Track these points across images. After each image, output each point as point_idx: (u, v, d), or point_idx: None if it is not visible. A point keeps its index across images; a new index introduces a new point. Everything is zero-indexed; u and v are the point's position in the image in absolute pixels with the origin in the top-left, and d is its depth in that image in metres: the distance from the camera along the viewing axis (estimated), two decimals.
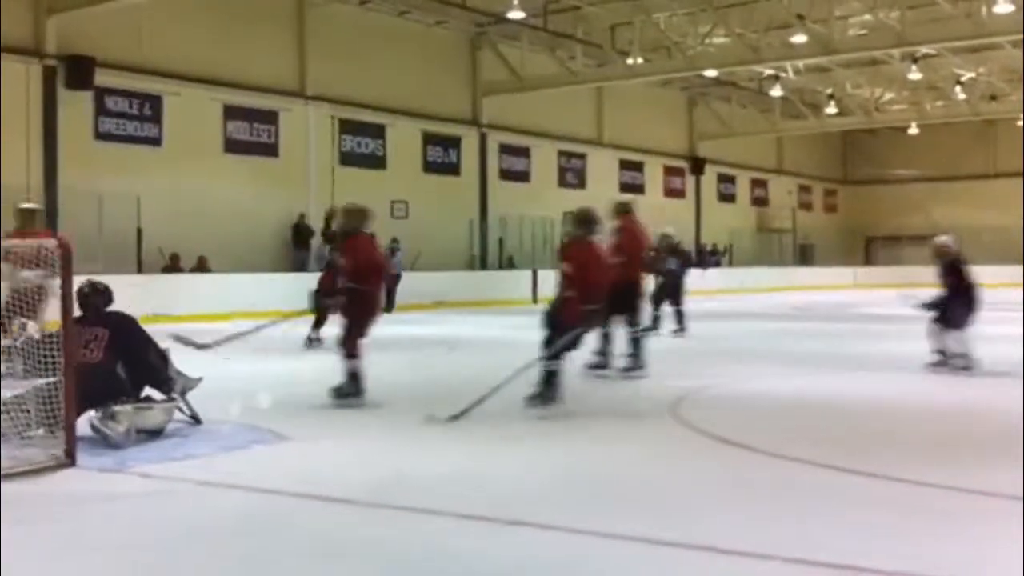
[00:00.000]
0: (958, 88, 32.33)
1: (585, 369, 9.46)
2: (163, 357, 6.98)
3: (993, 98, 34.50)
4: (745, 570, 4.05)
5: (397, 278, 21.63)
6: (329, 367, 11.15)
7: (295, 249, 22.68)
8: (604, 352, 9.78)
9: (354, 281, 8.22)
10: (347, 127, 24.60)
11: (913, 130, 38.02)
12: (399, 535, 4.57)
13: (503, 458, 6.28)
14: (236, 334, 9.43)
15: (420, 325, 17.75)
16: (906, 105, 36.62)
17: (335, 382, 8.31)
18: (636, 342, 9.78)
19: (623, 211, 10.18)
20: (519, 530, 4.61)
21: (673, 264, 14.92)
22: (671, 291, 14.75)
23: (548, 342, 8.00)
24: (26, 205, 9.47)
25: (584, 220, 8.41)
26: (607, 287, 8.27)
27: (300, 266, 22.27)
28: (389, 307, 21.25)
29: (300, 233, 22.70)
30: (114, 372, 6.62)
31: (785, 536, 4.45)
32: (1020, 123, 36.18)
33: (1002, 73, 32.24)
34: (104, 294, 6.96)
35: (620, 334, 9.87)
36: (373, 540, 4.50)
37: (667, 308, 14.55)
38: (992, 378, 9.88)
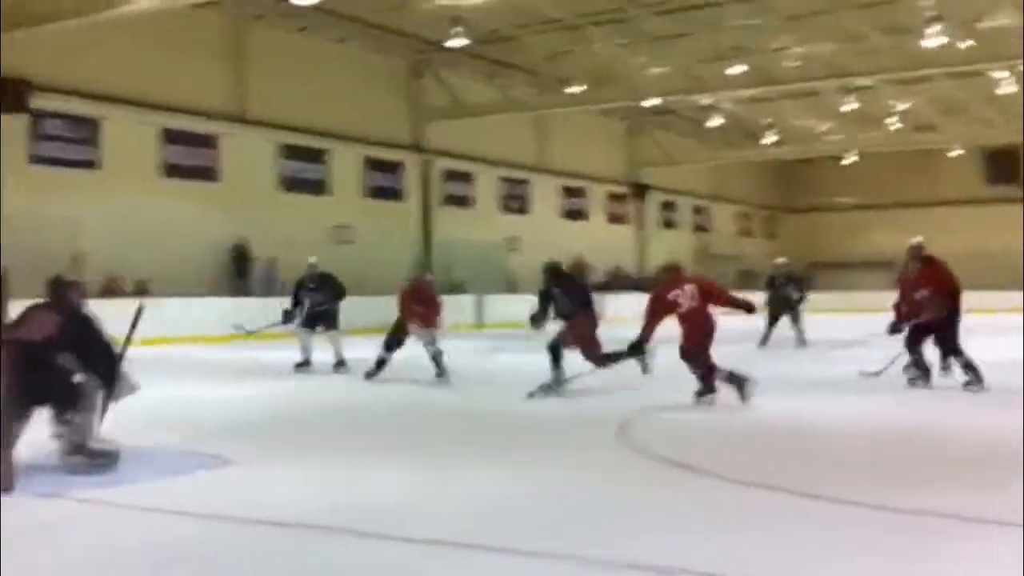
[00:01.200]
0: (892, 118, 33.02)
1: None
2: (111, 356, 6.58)
3: (926, 128, 35.31)
4: None
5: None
6: (272, 390, 11.08)
7: (235, 274, 22.46)
8: (920, 366, 10.93)
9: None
10: (288, 152, 24.49)
11: (850, 159, 38.70)
12: (347, 560, 4.51)
13: (452, 482, 6.23)
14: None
15: (367, 349, 17.60)
16: (843, 135, 37.34)
17: (280, 406, 8.23)
18: (969, 365, 10.56)
19: (921, 252, 11.20)
20: (471, 553, 4.58)
21: (792, 289, 17.75)
22: (792, 313, 17.56)
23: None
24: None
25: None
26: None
27: (241, 291, 22.03)
28: None
29: (240, 258, 22.49)
30: (61, 361, 6.31)
31: (728, 557, 4.47)
32: (953, 154, 37.10)
33: (934, 104, 33.00)
34: (71, 286, 6.76)
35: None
36: (321, 565, 4.44)
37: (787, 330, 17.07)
38: (940, 399, 10.09)
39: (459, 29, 22.73)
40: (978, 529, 4.90)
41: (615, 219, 36.15)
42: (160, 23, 20.66)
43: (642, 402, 9.52)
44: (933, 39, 22.45)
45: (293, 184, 24.57)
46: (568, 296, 10.70)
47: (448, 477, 6.38)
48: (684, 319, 9.64)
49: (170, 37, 21.53)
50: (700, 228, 40.89)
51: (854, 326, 20.31)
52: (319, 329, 13.47)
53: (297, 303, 13.45)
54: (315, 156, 25.08)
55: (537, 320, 10.76)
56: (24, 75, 19.13)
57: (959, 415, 9.18)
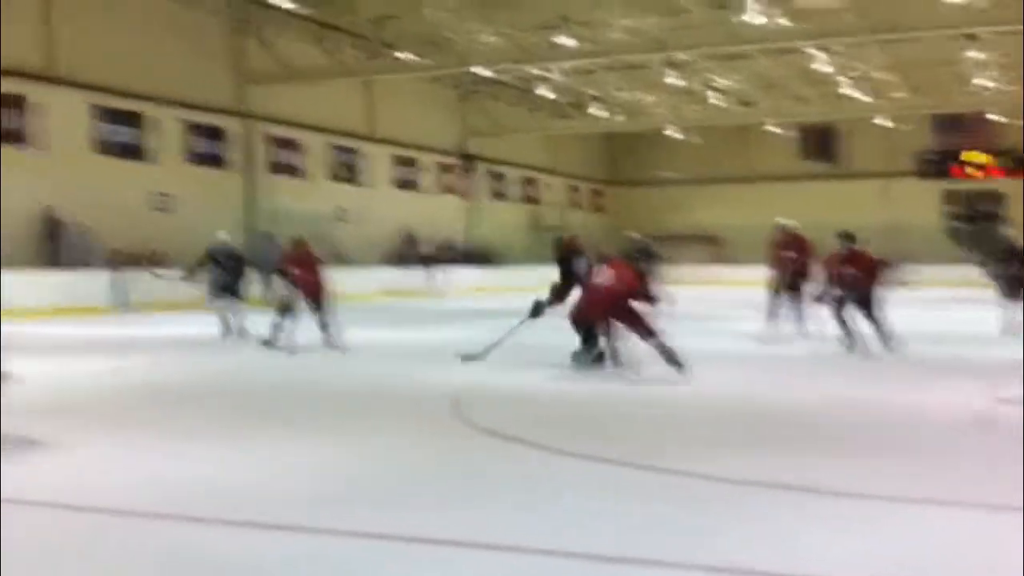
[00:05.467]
0: (713, 94, 33.92)
1: None
2: None
3: (746, 104, 36.44)
4: (528, 565, 3.98)
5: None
6: (94, 368, 10.46)
7: (48, 243, 21.26)
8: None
9: None
10: (102, 114, 23.19)
11: (673, 133, 39.55)
12: (157, 543, 4.26)
13: (277, 460, 5.99)
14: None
15: (168, 326, 17.00)
16: (666, 109, 38.12)
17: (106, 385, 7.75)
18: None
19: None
20: (290, 536, 4.38)
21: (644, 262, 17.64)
22: None
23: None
24: None
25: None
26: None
27: (52, 261, 20.86)
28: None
29: (50, 226, 21.27)
30: None
31: (555, 531, 4.42)
32: (771, 128, 38.48)
33: (754, 80, 34.04)
34: None
35: None
36: (128, 547, 4.14)
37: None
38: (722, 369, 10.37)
39: None
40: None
41: (446, 190, 35.96)
42: None
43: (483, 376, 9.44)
44: (753, 16, 23.07)
45: (108, 148, 23.29)
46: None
47: (276, 455, 6.12)
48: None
49: None
50: (530, 200, 41.15)
51: (687, 298, 20.79)
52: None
53: None
54: (132, 119, 23.87)
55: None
56: None
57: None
